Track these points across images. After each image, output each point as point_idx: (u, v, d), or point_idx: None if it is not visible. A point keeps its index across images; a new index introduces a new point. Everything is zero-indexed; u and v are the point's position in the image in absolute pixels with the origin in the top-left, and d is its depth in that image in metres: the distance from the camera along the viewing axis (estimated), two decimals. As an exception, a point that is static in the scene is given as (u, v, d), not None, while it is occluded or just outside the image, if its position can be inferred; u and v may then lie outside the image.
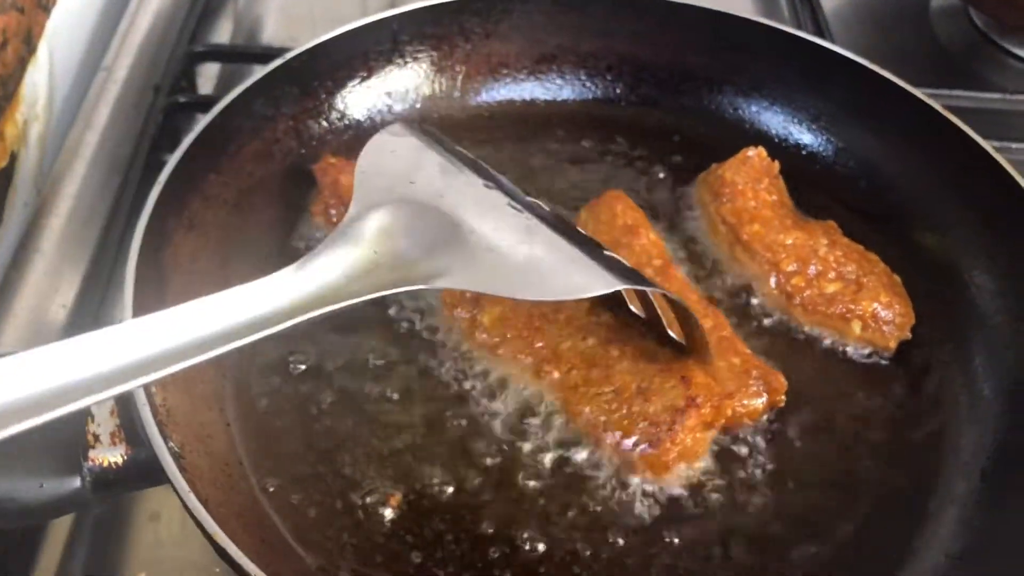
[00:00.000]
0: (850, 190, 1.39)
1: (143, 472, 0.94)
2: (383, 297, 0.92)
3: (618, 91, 1.48)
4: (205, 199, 1.21)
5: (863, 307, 1.21)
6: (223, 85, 1.71)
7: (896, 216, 1.35)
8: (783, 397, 1.12)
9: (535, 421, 1.11)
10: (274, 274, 0.90)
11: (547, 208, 1.08)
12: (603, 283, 0.98)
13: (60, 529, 1.15)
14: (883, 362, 1.21)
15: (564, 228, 1.03)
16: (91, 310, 1.30)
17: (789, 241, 1.27)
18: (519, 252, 0.98)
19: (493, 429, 1.11)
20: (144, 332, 0.81)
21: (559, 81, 1.49)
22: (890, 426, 1.16)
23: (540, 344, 1.13)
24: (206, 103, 1.55)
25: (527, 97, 1.48)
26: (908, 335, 1.22)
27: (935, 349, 1.23)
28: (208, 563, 1.14)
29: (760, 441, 1.12)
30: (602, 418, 1.07)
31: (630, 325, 1.14)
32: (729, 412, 1.09)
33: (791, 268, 1.24)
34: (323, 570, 1.00)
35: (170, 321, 0.83)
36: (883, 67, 1.38)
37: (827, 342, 1.22)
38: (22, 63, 1.38)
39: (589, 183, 1.38)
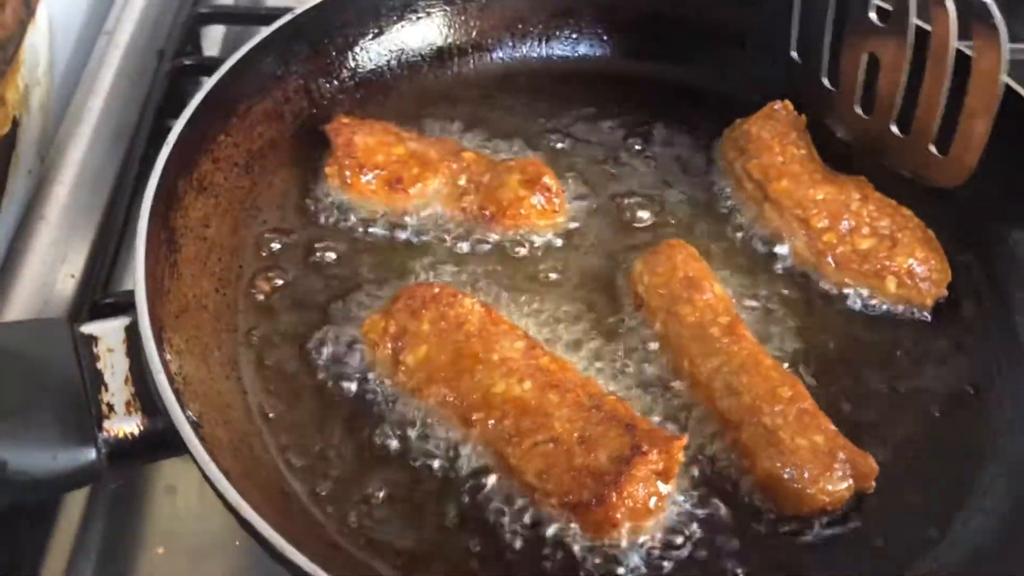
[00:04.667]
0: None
1: (160, 443, 0.91)
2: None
3: (639, 47, 1.44)
4: (215, 161, 1.17)
5: (898, 263, 1.17)
6: (228, 48, 1.66)
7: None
8: (873, 483, 1.00)
9: (464, 475, 1.00)
10: None
11: None
12: None
13: (75, 503, 1.12)
14: (918, 319, 1.17)
15: None
16: (100, 279, 1.26)
17: (819, 196, 1.22)
18: None
19: (425, 481, 1.00)
20: None
21: (576, 36, 1.45)
22: (929, 385, 1.12)
23: (469, 387, 1.01)
24: (212, 66, 1.50)
25: (543, 54, 1.44)
26: (944, 292, 1.18)
27: (972, 305, 1.19)
28: (227, 536, 1.12)
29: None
30: (541, 473, 0.96)
31: (569, 369, 1.04)
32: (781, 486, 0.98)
33: (822, 224, 1.20)
34: (348, 540, 0.96)
35: None
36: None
37: (861, 300, 1.18)
38: (22, 25, 1.33)
39: (608, 143, 1.34)
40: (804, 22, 1.30)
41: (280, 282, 1.16)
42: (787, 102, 1.31)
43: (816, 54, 1.29)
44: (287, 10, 1.39)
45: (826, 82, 1.30)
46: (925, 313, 1.17)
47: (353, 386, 1.07)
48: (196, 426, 0.89)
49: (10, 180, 1.31)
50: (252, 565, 1.10)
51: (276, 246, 1.19)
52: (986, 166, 1.24)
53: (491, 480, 0.99)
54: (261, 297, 1.14)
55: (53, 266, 1.27)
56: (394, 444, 1.02)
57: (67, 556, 1.09)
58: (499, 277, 1.18)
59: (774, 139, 1.28)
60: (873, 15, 1.21)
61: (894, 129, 1.23)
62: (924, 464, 1.05)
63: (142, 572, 1.09)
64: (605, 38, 1.44)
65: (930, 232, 1.21)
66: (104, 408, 0.90)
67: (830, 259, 1.19)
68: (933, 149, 1.20)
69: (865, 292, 1.18)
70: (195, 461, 0.87)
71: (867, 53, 1.23)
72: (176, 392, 0.90)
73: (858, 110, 1.27)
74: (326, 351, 1.09)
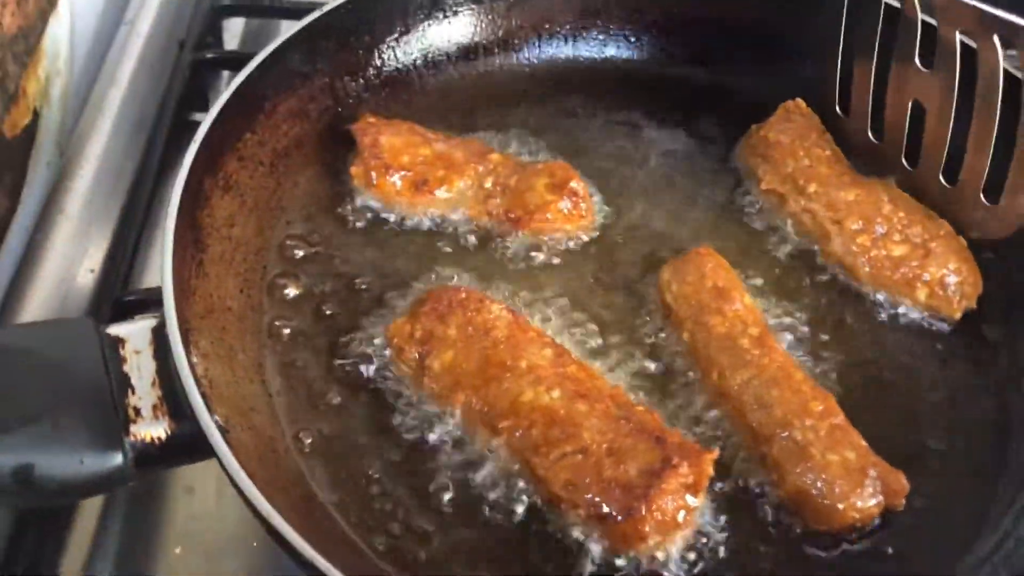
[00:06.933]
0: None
1: (187, 447, 0.90)
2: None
3: (665, 48, 1.42)
4: (240, 159, 1.16)
5: (931, 273, 1.15)
6: (247, 40, 1.65)
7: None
8: (903, 501, 0.98)
9: (489, 482, 0.99)
10: None
11: None
12: None
13: (93, 503, 1.11)
14: (945, 329, 1.15)
15: None
16: (120, 274, 1.25)
17: (851, 198, 1.20)
18: None
19: (446, 489, 0.99)
20: None
21: (602, 38, 1.43)
22: (954, 402, 1.10)
23: (496, 395, 1.00)
24: (234, 59, 1.51)
25: (570, 55, 1.43)
26: (974, 304, 1.16)
27: (1000, 320, 1.16)
28: (244, 536, 1.11)
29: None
30: (569, 484, 0.95)
31: (597, 378, 1.03)
32: (808, 503, 0.97)
33: (856, 227, 1.18)
34: (371, 547, 0.95)
35: None
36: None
37: (889, 306, 1.17)
38: (43, 15, 1.32)
39: (636, 146, 1.33)
40: (845, 77, 1.28)
41: (304, 283, 1.14)
42: (799, 100, 1.30)
43: (861, 108, 1.27)
44: (308, 3, 1.38)
45: (871, 136, 1.27)
46: (949, 325, 1.16)
47: (380, 390, 1.05)
48: (223, 431, 0.88)
49: (30, 172, 1.30)
50: (269, 565, 1.09)
51: (300, 247, 1.17)
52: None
53: (523, 494, 0.99)
54: (285, 298, 1.13)
55: (73, 260, 1.26)
56: (424, 449, 1.01)
57: (85, 556, 1.08)
58: (524, 282, 1.16)
59: (795, 142, 1.26)
60: (918, 60, 1.19)
61: (941, 179, 1.21)
62: (953, 483, 1.03)
63: (160, 572, 1.08)
64: (633, 40, 1.42)
65: (962, 240, 1.19)
66: (131, 412, 0.89)
67: (864, 262, 1.17)
68: (982, 198, 1.18)
69: (893, 300, 1.17)
70: (223, 467, 0.85)
71: (911, 101, 1.21)
72: (203, 396, 0.88)
73: (904, 163, 1.25)
74: (352, 354, 1.08)
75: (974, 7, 1.10)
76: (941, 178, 1.22)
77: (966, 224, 1.20)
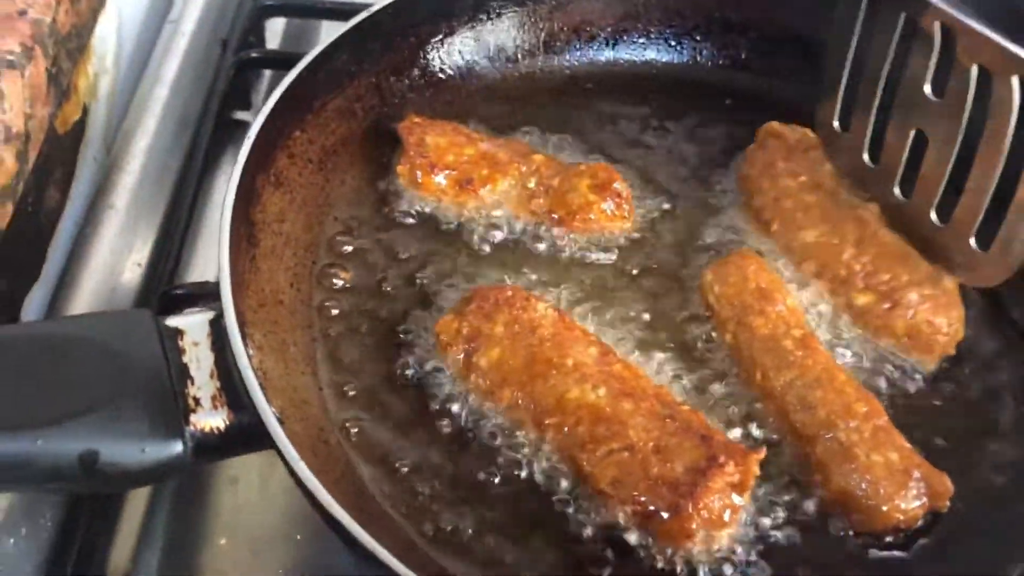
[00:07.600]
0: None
1: (245, 437, 0.91)
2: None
3: (705, 52, 1.43)
4: (290, 157, 1.18)
5: (897, 326, 1.10)
6: (288, 40, 1.67)
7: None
8: (947, 503, 0.99)
9: (534, 471, 1.01)
10: None
11: None
12: None
13: (140, 494, 1.13)
14: (919, 378, 1.10)
15: None
16: (167, 268, 1.27)
17: (810, 239, 1.16)
18: None
19: (492, 477, 1.01)
20: None
21: (642, 41, 1.44)
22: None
23: (542, 392, 1.02)
24: (276, 59, 1.53)
25: (610, 57, 1.44)
26: (952, 351, 1.11)
27: (984, 367, 1.12)
28: (287, 529, 1.12)
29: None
30: (615, 481, 0.96)
31: (642, 377, 1.04)
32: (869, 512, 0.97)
33: (813, 270, 1.15)
34: (421, 534, 0.97)
35: None
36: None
37: (855, 354, 1.12)
38: (94, 14, 1.34)
39: (674, 149, 1.34)
40: (850, 91, 1.17)
41: (351, 274, 1.16)
42: (772, 124, 1.26)
43: (860, 127, 1.17)
44: (350, 4, 1.40)
45: (867, 158, 1.18)
46: (918, 376, 1.10)
47: (425, 380, 1.07)
48: (280, 422, 0.90)
49: (78, 167, 1.33)
50: (312, 557, 1.10)
51: (348, 243, 1.19)
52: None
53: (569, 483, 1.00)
54: (333, 287, 1.15)
55: (121, 254, 1.28)
56: (469, 438, 1.03)
57: (132, 547, 1.10)
58: (567, 281, 1.17)
59: (761, 175, 1.22)
60: (928, 88, 1.08)
61: (933, 216, 1.11)
62: (999, 487, 1.04)
63: (205, 563, 1.10)
64: (673, 43, 1.44)
65: (946, 282, 1.11)
66: (191, 402, 0.90)
67: (823, 309, 1.14)
68: (973, 242, 1.08)
69: (862, 347, 1.12)
70: (282, 458, 0.87)
71: (915, 130, 1.11)
72: (261, 387, 0.90)
73: (896, 192, 1.15)
74: (398, 344, 1.10)
75: (999, 45, 1.00)
76: (933, 215, 1.11)
77: (953, 266, 1.11)
